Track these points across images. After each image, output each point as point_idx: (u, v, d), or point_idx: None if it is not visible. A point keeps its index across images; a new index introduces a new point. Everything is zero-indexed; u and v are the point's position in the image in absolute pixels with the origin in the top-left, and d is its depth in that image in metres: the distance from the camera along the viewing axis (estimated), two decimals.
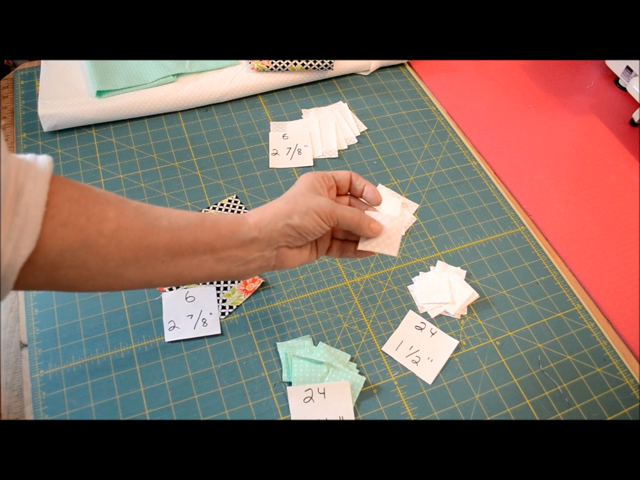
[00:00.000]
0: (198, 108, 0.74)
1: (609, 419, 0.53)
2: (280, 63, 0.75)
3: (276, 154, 0.70)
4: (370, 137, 0.74)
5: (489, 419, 0.52)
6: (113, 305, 0.55)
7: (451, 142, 0.75)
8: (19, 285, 0.32)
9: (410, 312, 0.58)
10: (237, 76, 0.75)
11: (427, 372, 0.54)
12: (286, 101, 0.77)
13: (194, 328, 0.54)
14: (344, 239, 0.46)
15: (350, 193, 0.46)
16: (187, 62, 0.74)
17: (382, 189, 0.68)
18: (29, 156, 0.32)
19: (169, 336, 0.53)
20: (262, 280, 0.58)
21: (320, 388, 0.51)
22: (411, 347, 0.55)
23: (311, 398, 0.50)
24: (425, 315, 0.58)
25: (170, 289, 0.56)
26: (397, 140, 0.74)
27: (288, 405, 0.50)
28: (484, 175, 0.71)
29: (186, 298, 0.56)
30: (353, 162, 0.71)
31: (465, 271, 0.61)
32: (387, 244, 0.44)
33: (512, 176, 0.72)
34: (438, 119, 0.77)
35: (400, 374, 0.54)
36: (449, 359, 0.55)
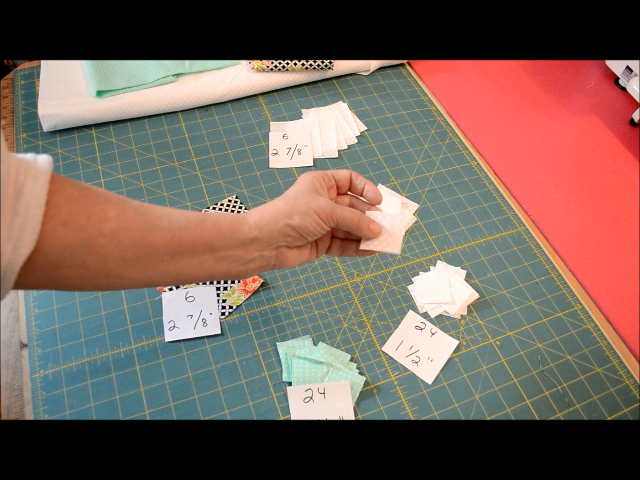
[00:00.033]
0: (198, 108, 0.74)
1: (609, 419, 0.53)
2: (280, 63, 0.75)
3: (276, 154, 0.70)
4: (370, 137, 0.74)
5: (489, 419, 0.52)
6: (113, 305, 0.55)
7: (451, 142, 0.75)
8: (19, 284, 0.32)
9: (410, 312, 0.58)
10: (237, 76, 0.75)
11: (427, 372, 0.54)
12: (286, 101, 0.77)
13: (194, 328, 0.54)
14: (344, 238, 0.46)
15: (350, 192, 0.46)
16: (187, 62, 0.74)
17: (382, 189, 0.68)
18: (29, 155, 0.32)
19: (169, 336, 0.53)
20: (262, 280, 0.58)
21: (320, 388, 0.51)
22: (411, 347, 0.55)
23: (311, 398, 0.50)
24: (425, 315, 0.58)
25: (170, 289, 0.56)
26: (397, 140, 0.74)
27: (288, 405, 0.50)
28: (484, 175, 0.71)
29: (186, 298, 0.56)
30: (353, 162, 0.71)
31: (465, 271, 0.61)
32: (389, 242, 0.44)
33: (512, 176, 0.72)
34: (438, 119, 0.77)
35: (400, 374, 0.54)
36: (449, 359, 0.55)
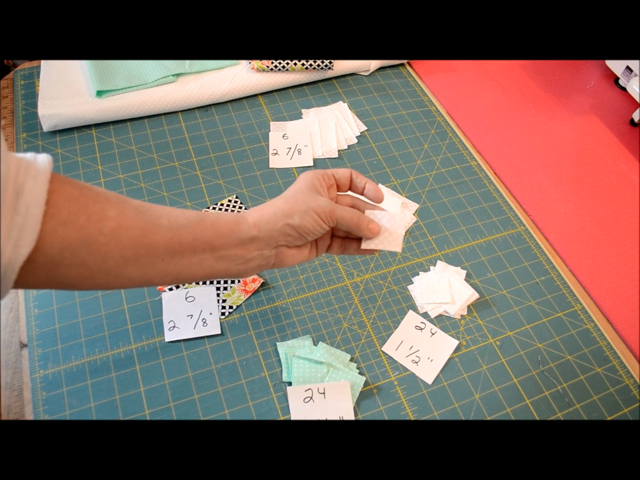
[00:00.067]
0: (198, 108, 0.74)
1: (609, 419, 0.53)
2: (280, 63, 0.75)
3: (276, 154, 0.70)
4: (370, 137, 0.74)
5: (489, 419, 0.52)
6: (113, 305, 0.55)
7: (451, 142, 0.75)
8: (19, 283, 0.32)
9: (410, 312, 0.58)
10: (237, 76, 0.75)
11: (427, 372, 0.54)
12: (286, 101, 0.77)
13: (194, 328, 0.54)
14: (344, 237, 0.46)
15: (351, 191, 0.46)
16: (187, 62, 0.74)
17: (382, 189, 0.68)
18: (29, 155, 0.32)
19: (169, 336, 0.53)
20: (262, 280, 0.58)
21: (320, 388, 0.51)
22: (411, 347, 0.55)
23: (311, 398, 0.50)
24: (425, 315, 0.58)
25: (170, 289, 0.56)
26: (397, 140, 0.74)
27: (288, 405, 0.50)
28: (484, 175, 0.71)
29: (186, 298, 0.56)
30: (353, 162, 0.71)
31: (465, 271, 0.61)
32: (389, 241, 0.44)
33: (512, 176, 0.72)
34: (438, 119, 0.77)
35: (400, 374, 0.54)
36: (449, 359, 0.55)
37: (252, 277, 0.58)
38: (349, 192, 0.46)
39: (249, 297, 0.57)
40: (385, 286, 0.60)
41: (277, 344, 0.54)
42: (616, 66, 0.79)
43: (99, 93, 0.70)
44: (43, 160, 0.32)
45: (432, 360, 0.55)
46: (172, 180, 0.66)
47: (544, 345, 0.57)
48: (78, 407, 0.49)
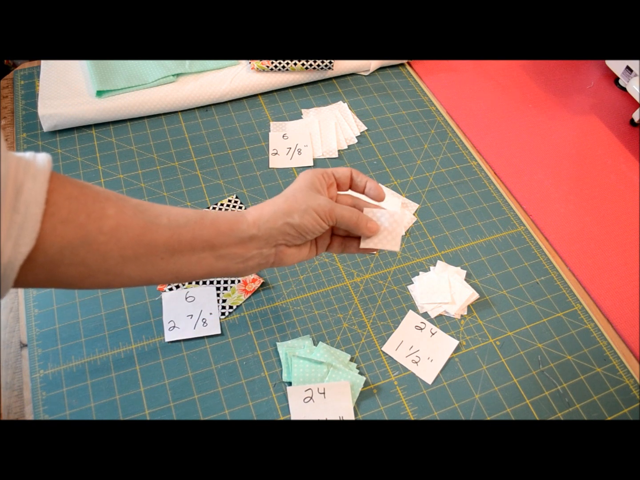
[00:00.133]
0: (198, 108, 0.74)
1: (609, 419, 0.53)
2: (280, 63, 0.75)
3: (276, 154, 0.70)
4: (370, 137, 0.74)
5: (489, 419, 0.52)
6: (113, 305, 0.55)
7: (451, 142, 0.75)
8: (19, 282, 0.32)
9: (410, 312, 0.58)
10: (237, 76, 0.75)
11: (427, 372, 0.54)
12: (286, 101, 0.77)
13: (194, 328, 0.54)
14: (345, 236, 0.46)
15: (352, 190, 0.46)
16: (187, 62, 0.74)
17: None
18: (28, 154, 0.32)
19: (169, 336, 0.53)
20: (262, 280, 0.58)
21: (320, 388, 0.51)
22: (411, 347, 0.55)
23: (311, 398, 0.50)
24: (425, 315, 0.58)
25: (170, 289, 0.56)
26: (397, 140, 0.74)
27: (288, 405, 0.50)
28: (484, 175, 0.71)
29: (186, 298, 0.56)
30: (353, 162, 0.71)
31: (465, 271, 0.61)
32: (388, 240, 0.44)
33: (512, 176, 0.72)
34: (438, 119, 0.77)
35: (400, 374, 0.54)
36: (449, 359, 0.55)
37: (252, 277, 0.58)
38: (350, 191, 0.46)
39: (249, 297, 0.57)
40: (385, 286, 0.60)
41: (277, 344, 0.54)
42: (616, 66, 0.79)
43: (99, 93, 0.70)
44: (42, 159, 0.32)
45: (432, 360, 0.55)
46: (172, 180, 0.66)
47: (544, 345, 0.57)
48: (78, 407, 0.49)
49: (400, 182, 0.69)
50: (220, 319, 0.55)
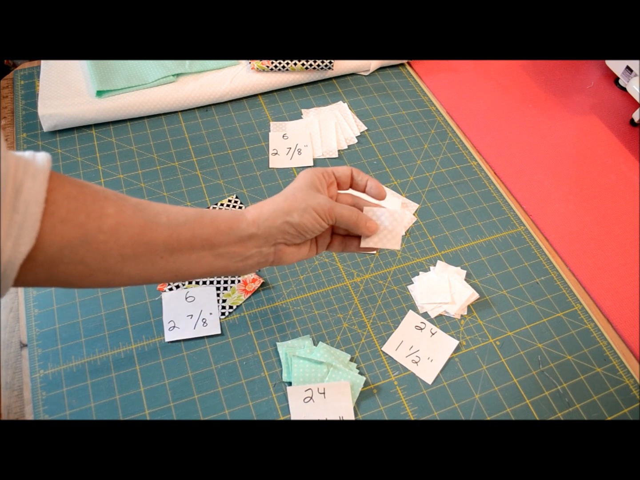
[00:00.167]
0: (198, 108, 0.74)
1: (609, 419, 0.53)
2: (280, 63, 0.75)
3: (276, 154, 0.70)
4: (370, 137, 0.74)
5: (489, 419, 0.52)
6: (113, 305, 0.55)
7: (451, 142, 0.75)
8: (19, 281, 0.32)
9: (410, 312, 0.58)
10: (237, 76, 0.75)
11: (427, 372, 0.54)
12: (286, 101, 0.77)
13: (194, 328, 0.54)
14: (345, 234, 0.46)
15: (352, 189, 0.46)
16: (187, 62, 0.74)
17: None
18: (27, 153, 0.32)
19: (169, 336, 0.53)
20: (262, 280, 0.58)
21: (320, 388, 0.51)
22: (411, 347, 0.55)
23: (311, 398, 0.50)
24: (425, 315, 0.58)
25: (170, 289, 0.56)
26: (397, 140, 0.74)
27: (288, 405, 0.50)
28: (484, 175, 0.71)
29: (186, 298, 0.56)
30: (353, 162, 0.71)
31: (465, 271, 0.61)
32: (389, 239, 0.44)
33: (512, 176, 0.72)
34: (438, 119, 0.77)
35: (400, 374, 0.54)
36: (449, 359, 0.55)
37: (252, 277, 0.58)
38: (350, 190, 0.46)
39: (249, 297, 0.57)
40: (385, 286, 0.60)
41: (277, 344, 0.54)
42: (616, 66, 0.79)
43: (99, 93, 0.70)
44: (42, 158, 0.32)
45: (432, 360, 0.55)
46: (172, 180, 0.66)
47: (544, 345, 0.57)
48: (78, 407, 0.49)
49: (400, 182, 0.69)
50: (220, 319, 0.55)
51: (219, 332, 0.54)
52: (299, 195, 0.41)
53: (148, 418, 0.49)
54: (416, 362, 0.54)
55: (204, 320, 0.55)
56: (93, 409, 0.49)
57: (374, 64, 0.81)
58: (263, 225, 0.40)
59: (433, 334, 0.56)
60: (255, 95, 0.77)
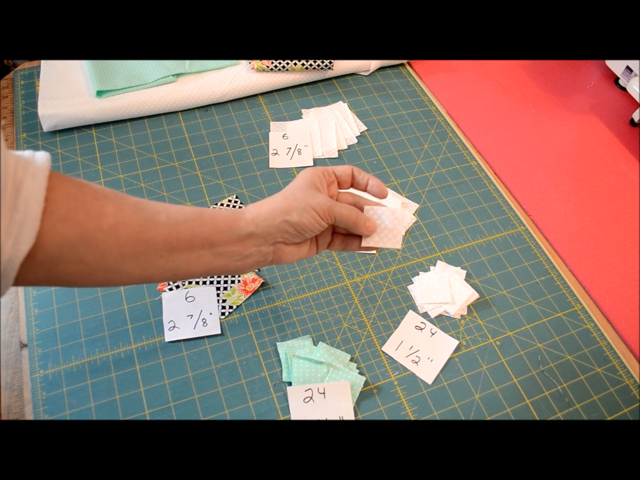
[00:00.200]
0: (198, 108, 0.74)
1: (609, 419, 0.53)
2: (280, 63, 0.75)
3: (276, 154, 0.70)
4: (370, 137, 0.74)
5: (489, 419, 0.52)
6: (113, 305, 0.55)
7: (451, 142, 0.75)
8: (19, 281, 0.32)
9: (410, 312, 0.58)
10: (237, 76, 0.75)
11: (427, 372, 0.54)
12: (286, 101, 0.77)
13: (194, 328, 0.54)
14: (346, 234, 0.46)
15: (353, 188, 0.46)
16: (187, 62, 0.74)
17: None
18: (27, 153, 0.32)
19: (169, 336, 0.53)
20: (262, 280, 0.58)
21: (320, 388, 0.51)
22: (411, 347, 0.55)
23: (311, 398, 0.50)
24: (425, 315, 0.58)
25: (170, 289, 0.56)
26: (397, 140, 0.74)
27: (288, 405, 0.50)
28: (484, 175, 0.71)
29: (186, 298, 0.56)
30: (353, 162, 0.71)
31: (465, 271, 0.61)
32: (389, 238, 0.44)
33: (512, 176, 0.72)
34: (438, 119, 0.77)
35: (400, 374, 0.54)
36: (449, 359, 0.55)
37: (252, 277, 0.58)
38: (351, 190, 0.46)
39: (249, 297, 0.57)
40: (385, 286, 0.60)
41: (277, 344, 0.54)
42: (616, 66, 0.79)
43: (99, 93, 0.70)
44: (41, 157, 0.32)
45: (432, 360, 0.55)
46: (172, 180, 0.66)
47: (544, 345, 0.57)
48: (78, 407, 0.49)
49: (400, 182, 0.69)
50: (220, 319, 0.55)
51: (219, 332, 0.54)
52: (299, 194, 0.41)
53: (148, 418, 0.49)
54: (416, 362, 0.54)
55: (204, 320, 0.55)
56: (93, 409, 0.49)
57: (374, 64, 0.81)
58: (262, 224, 0.40)
59: (433, 334, 0.56)
60: (255, 95, 0.77)
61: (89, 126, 0.70)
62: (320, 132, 0.73)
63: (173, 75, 0.73)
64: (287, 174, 0.69)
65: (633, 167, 0.74)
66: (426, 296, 0.58)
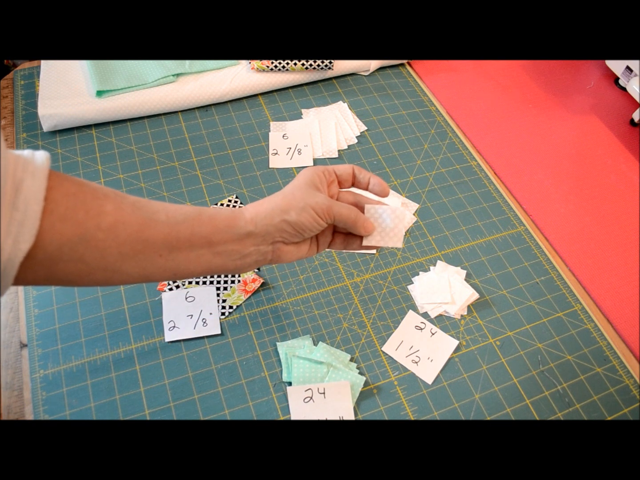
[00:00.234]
0: (198, 108, 0.74)
1: (609, 419, 0.53)
2: (280, 63, 0.75)
3: (276, 154, 0.70)
4: (370, 137, 0.74)
5: (489, 419, 0.52)
6: (113, 305, 0.55)
7: (451, 142, 0.75)
8: (19, 280, 0.32)
9: (410, 312, 0.58)
10: (237, 76, 0.75)
11: (427, 372, 0.54)
12: (286, 101, 0.77)
13: (194, 328, 0.54)
14: (347, 233, 0.46)
15: (355, 187, 0.46)
16: (187, 62, 0.74)
17: None
18: (26, 152, 0.32)
19: (169, 336, 0.53)
20: (262, 280, 0.58)
21: (320, 388, 0.51)
22: (411, 347, 0.55)
23: (311, 398, 0.50)
24: (425, 315, 0.58)
25: (170, 289, 0.56)
26: (397, 140, 0.74)
27: (288, 405, 0.50)
28: (484, 175, 0.71)
29: (186, 298, 0.56)
30: (353, 162, 0.71)
31: (465, 271, 0.61)
32: (391, 237, 0.44)
33: (512, 176, 0.72)
34: (438, 119, 0.77)
35: (400, 374, 0.54)
36: (449, 359, 0.55)
37: (252, 277, 0.58)
38: (352, 189, 0.46)
39: (249, 297, 0.57)
40: (385, 286, 0.60)
41: (277, 344, 0.54)
42: (616, 66, 0.79)
43: (99, 93, 0.70)
44: (41, 157, 0.32)
45: (432, 360, 0.55)
46: (172, 180, 0.66)
47: (544, 345, 0.57)
48: (78, 407, 0.49)
49: (400, 182, 0.69)
50: (220, 319, 0.55)
51: (219, 332, 0.54)
52: (298, 193, 0.41)
53: (148, 418, 0.49)
54: (416, 362, 0.54)
55: (204, 320, 0.55)
56: (93, 409, 0.49)
57: (374, 64, 0.81)
58: (261, 223, 0.40)
59: (433, 334, 0.56)
60: (255, 95, 0.77)
61: (89, 126, 0.70)
62: (320, 132, 0.73)
63: (173, 75, 0.73)
64: (287, 174, 0.69)
65: (633, 167, 0.74)
66: (426, 296, 0.58)
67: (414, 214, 0.66)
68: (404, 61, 0.85)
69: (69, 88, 0.70)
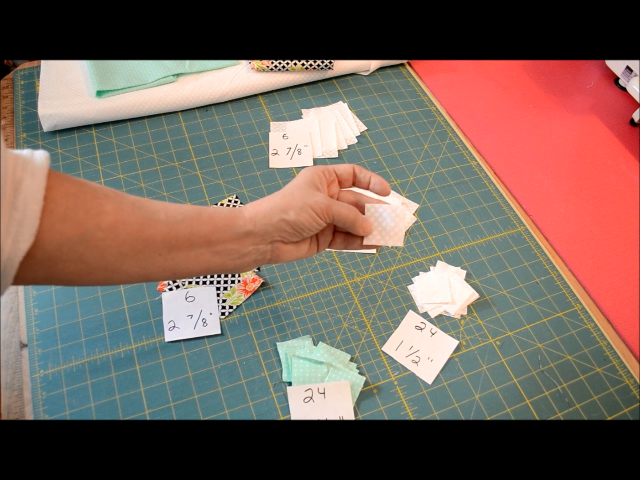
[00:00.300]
0: (198, 108, 0.74)
1: (609, 419, 0.53)
2: (280, 63, 0.75)
3: (276, 154, 0.70)
4: (370, 137, 0.74)
5: (489, 419, 0.52)
6: (113, 305, 0.55)
7: (451, 142, 0.75)
8: (18, 280, 0.32)
9: (410, 312, 0.58)
10: (237, 76, 0.75)
11: (427, 372, 0.54)
12: (286, 101, 0.77)
13: (194, 328, 0.54)
14: (347, 232, 0.46)
15: (355, 186, 0.46)
16: (187, 62, 0.74)
17: None
18: (26, 151, 0.32)
19: (169, 336, 0.53)
20: (262, 280, 0.58)
21: (320, 388, 0.51)
22: (411, 347, 0.55)
23: (311, 398, 0.50)
24: (425, 315, 0.58)
25: (170, 289, 0.56)
26: (397, 140, 0.74)
27: (288, 405, 0.50)
28: (484, 175, 0.71)
29: (186, 298, 0.56)
30: (353, 162, 0.71)
31: (465, 271, 0.61)
32: (391, 236, 0.44)
33: (512, 176, 0.72)
34: (438, 119, 0.77)
35: (400, 374, 0.54)
36: (449, 359, 0.55)
37: (252, 277, 0.58)
38: (353, 188, 0.46)
39: (249, 297, 0.57)
40: (385, 286, 0.60)
41: (277, 344, 0.54)
42: (616, 66, 0.79)
43: (99, 93, 0.70)
44: (40, 156, 0.32)
45: (432, 360, 0.55)
46: (172, 180, 0.66)
47: (544, 345, 0.57)
48: (78, 407, 0.49)
49: (400, 182, 0.69)
50: (220, 319, 0.55)
51: (219, 332, 0.54)
52: (297, 193, 0.41)
53: (148, 418, 0.49)
54: (416, 362, 0.54)
55: (204, 320, 0.55)
56: (93, 409, 0.49)
57: (374, 64, 0.81)
58: (260, 222, 0.40)
59: (433, 334, 0.56)
60: (255, 95, 0.77)
61: (89, 126, 0.70)
62: (320, 132, 0.73)
63: (173, 75, 0.73)
64: (287, 174, 0.69)
65: (633, 167, 0.74)
66: (426, 296, 0.58)
67: (414, 214, 0.66)
68: (404, 61, 0.85)
69: (69, 88, 0.70)
